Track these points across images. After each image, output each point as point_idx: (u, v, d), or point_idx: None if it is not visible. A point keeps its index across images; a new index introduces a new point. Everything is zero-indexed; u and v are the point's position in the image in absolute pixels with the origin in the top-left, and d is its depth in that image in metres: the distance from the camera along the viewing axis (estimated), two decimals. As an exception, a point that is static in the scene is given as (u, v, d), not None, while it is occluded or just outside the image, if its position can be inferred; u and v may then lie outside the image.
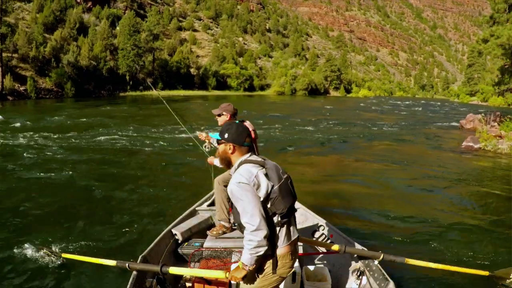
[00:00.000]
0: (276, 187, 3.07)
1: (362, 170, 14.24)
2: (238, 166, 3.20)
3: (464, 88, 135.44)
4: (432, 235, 7.80)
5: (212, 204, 6.13)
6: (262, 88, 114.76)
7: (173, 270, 3.87)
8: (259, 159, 3.26)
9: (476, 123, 29.05)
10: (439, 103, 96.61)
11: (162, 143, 17.69)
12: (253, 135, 5.33)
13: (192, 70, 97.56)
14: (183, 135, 19.15)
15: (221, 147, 3.33)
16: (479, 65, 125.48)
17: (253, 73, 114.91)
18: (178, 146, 17.35)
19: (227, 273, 3.35)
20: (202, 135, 5.92)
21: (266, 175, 3.11)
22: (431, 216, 8.97)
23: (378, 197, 10.69)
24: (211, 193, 6.43)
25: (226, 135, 3.25)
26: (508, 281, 4.97)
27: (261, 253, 2.99)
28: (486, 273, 4.97)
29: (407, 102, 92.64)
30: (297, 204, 5.75)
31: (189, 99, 64.53)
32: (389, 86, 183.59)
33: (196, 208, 6.12)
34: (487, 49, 24.94)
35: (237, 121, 3.57)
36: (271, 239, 3.09)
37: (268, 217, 3.05)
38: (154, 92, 75.26)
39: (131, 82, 73.75)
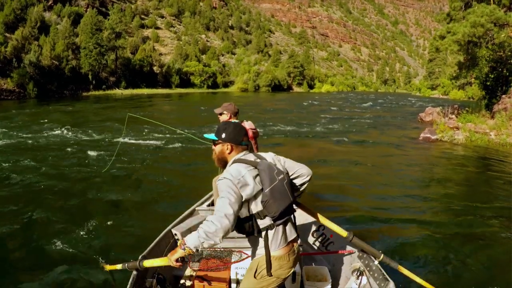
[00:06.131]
0: (267, 190, 2.96)
1: (320, 163, 14.32)
2: (231, 164, 3.14)
3: (425, 82, 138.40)
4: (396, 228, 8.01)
5: (212, 204, 6.18)
6: (225, 85, 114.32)
7: (147, 263, 3.66)
8: (252, 158, 3.17)
9: (435, 116, 29.86)
10: (401, 97, 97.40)
11: (159, 142, 17.62)
12: (250, 134, 5.52)
13: (155, 68, 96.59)
14: (180, 135, 18.61)
15: (218, 148, 3.25)
16: (440, 60, 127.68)
17: (216, 70, 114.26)
18: (176, 145, 17.22)
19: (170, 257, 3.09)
20: None
21: (258, 176, 3.03)
22: (390, 208, 9.24)
23: (334, 189, 10.77)
24: (211, 193, 6.47)
25: (223, 135, 3.19)
26: None
27: (209, 243, 2.83)
28: None
29: (369, 97, 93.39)
30: None
31: (154, 97, 63.73)
32: (352, 81, 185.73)
33: (196, 208, 6.10)
34: (443, 45, 25.42)
35: (233, 121, 3.52)
36: (265, 242, 3.05)
37: (259, 220, 3.03)
38: (118, 91, 74.80)
39: (94, 81, 72.53)
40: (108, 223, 7.67)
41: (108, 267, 4.62)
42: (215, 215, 2.82)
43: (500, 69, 26.04)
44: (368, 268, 4.39)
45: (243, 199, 2.95)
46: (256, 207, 3.02)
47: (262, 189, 2.99)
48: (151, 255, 4.48)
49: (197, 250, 2.90)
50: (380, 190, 11.00)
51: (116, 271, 5.34)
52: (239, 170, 2.99)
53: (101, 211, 8.33)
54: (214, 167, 3.29)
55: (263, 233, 3.06)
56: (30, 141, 17.08)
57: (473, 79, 45.75)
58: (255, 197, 3.00)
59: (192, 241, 2.85)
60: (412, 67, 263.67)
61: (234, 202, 2.85)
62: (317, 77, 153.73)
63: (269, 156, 3.31)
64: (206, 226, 2.80)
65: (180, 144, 17.45)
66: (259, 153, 3.34)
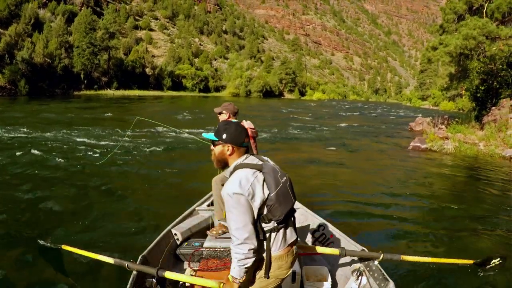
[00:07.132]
0: (273, 194, 2.88)
1: (309, 170, 14.22)
2: (234, 169, 3.02)
3: (416, 93, 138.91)
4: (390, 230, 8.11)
5: (212, 204, 6.09)
6: (217, 89, 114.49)
7: (169, 274, 3.83)
8: (255, 161, 3.06)
9: (425, 126, 29.99)
10: (391, 107, 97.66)
11: (159, 142, 17.57)
12: (250, 134, 5.36)
13: (147, 70, 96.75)
14: (180, 135, 18.94)
15: (218, 149, 3.10)
16: (431, 71, 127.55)
17: (208, 74, 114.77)
18: (176, 146, 17.25)
19: (222, 284, 3.25)
20: None
21: (264, 180, 2.93)
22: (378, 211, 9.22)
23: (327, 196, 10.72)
24: (211, 193, 6.28)
25: (224, 136, 3.03)
26: (489, 266, 5.14)
27: (250, 264, 2.86)
28: (470, 261, 5.06)
29: (360, 105, 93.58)
30: (297, 204, 5.80)
31: (145, 99, 63.68)
32: (343, 89, 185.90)
33: (196, 208, 6.07)
34: (435, 56, 25.71)
35: (233, 121, 3.40)
36: (267, 244, 2.98)
37: (263, 224, 2.96)
38: (109, 92, 74.65)
39: (85, 81, 72.60)
40: (106, 222, 7.63)
41: (69, 248, 4.81)
42: (234, 242, 2.85)
43: (490, 82, 26.25)
44: (368, 268, 4.42)
45: (254, 210, 2.88)
46: (261, 211, 2.94)
47: (269, 194, 2.90)
48: (151, 255, 4.53)
49: (247, 272, 2.92)
50: (368, 197, 10.91)
51: (112, 268, 5.10)
52: (247, 178, 2.87)
53: (98, 210, 8.29)
54: (214, 167, 3.29)
55: (266, 235, 2.98)
56: (18, 139, 16.99)
57: (463, 91, 46.04)
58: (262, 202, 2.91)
59: (239, 273, 2.89)
60: (403, 78, 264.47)
61: (247, 224, 2.82)
62: (309, 85, 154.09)
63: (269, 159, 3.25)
64: (237, 256, 2.84)
65: (179, 145, 17.53)
66: (260, 156, 3.25)
